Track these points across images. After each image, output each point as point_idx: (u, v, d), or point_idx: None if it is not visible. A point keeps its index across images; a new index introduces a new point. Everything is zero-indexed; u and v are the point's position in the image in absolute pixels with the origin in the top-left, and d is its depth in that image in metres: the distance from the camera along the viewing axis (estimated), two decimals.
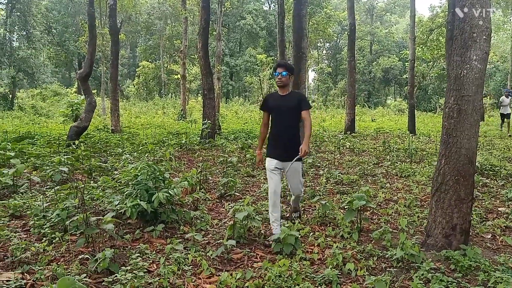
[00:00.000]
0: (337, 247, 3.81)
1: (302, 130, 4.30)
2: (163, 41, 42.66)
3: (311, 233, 4.32)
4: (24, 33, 34.29)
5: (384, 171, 8.28)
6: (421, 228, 4.59)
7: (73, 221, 3.98)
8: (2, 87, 34.56)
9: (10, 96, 33.19)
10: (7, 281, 3.18)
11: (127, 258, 3.57)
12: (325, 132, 16.46)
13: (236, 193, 6.07)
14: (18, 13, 32.89)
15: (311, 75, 57.15)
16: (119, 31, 18.26)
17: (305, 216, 5.08)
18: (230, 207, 5.24)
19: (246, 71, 43.29)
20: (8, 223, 4.46)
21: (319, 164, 8.86)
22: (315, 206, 5.50)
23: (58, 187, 5.10)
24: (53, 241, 3.91)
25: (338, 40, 52.70)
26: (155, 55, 47.72)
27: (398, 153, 10.51)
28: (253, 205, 5.35)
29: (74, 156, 7.71)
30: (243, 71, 43.85)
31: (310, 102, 5.16)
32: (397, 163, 9.02)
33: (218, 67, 19.85)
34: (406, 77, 20.74)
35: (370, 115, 30.79)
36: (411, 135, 14.69)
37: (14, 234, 4.07)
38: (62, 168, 6.30)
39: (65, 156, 7.19)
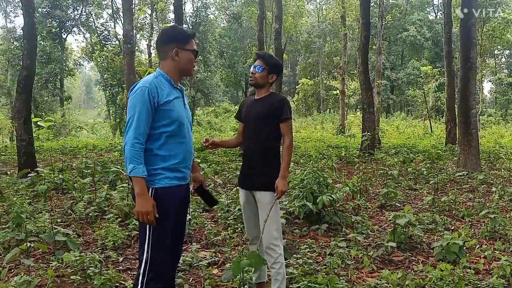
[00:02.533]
0: (506, 260, 3.69)
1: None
2: (322, 58, 43.87)
3: (478, 246, 4.22)
4: (201, 58, 39.33)
5: None
6: None
7: None
8: None
9: (191, 113, 38.38)
10: (203, 257, 4.01)
11: (297, 249, 4.10)
12: (502, 149, 14.86)
13: (396, 204, 6.17)
14: (197, 41, 37.91)
15: (487, 86, 51.49)
16: (283, 52, 19.68)
17: (472, 230, 4.92)
18: (390, 216, 5.39)
19: (409, 84, 41.36)
20: (201, 214, 5.46)
21: (491, 181, 8.22)
22: (483, 221, 5.25)
23: (237, 187, 6.00)
24: (236, 230, 4.70)
25: None
26: (314, 72, 49.28)
27: None
28: (415, 215, 5.39)
29: None
30: (405, 84, 42.04)
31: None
32: None
33: (378, 81, 19.71)
34: None
35: None
36: None
37: (207, 222, 5.01)
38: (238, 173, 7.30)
39: (241, 163, 8.25)
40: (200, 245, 4.34)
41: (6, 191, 6.78)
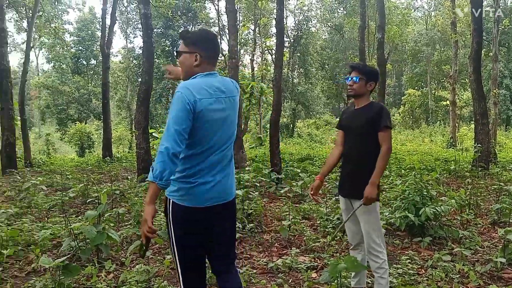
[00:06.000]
0: None
1: None
2: (430, 67, 41.51)
3: None
4: (302, 70, 39.75)
5: None
6: None
7: None
8: (285, 118, 40.88)
9: (291, 125, 38.89)
10: (302, 261, 4.15)
11: (397, 260, 4.04)
12: None
13: (511, 220, 5.67)
14: (298, 54, 38.45)
15: None
16: (386, 62, 19.14)
17: None
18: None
19: None
20: (300, 221, 5.61)
21: None
22: None
23: (336, 197, 6.06)
24: (336, 238, 4.76)
25: None
26: (421, 82, 46.77)
27: None
28: None
29: None
30: None
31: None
32: None
33: (494, 90, 18.14)
34: None
35: None
36: None
37: (306, 229, 5.14)
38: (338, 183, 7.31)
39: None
40: (299, 250, 4.48)
41: (128, 192, 7.65)
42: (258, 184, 7.84)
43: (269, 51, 35.33)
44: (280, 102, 9.33)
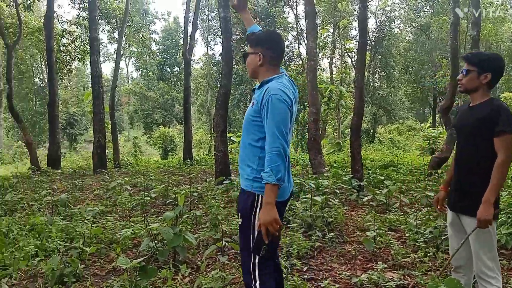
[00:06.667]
0: None
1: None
2: None
3: None
4: (384, 73, 38.11)
5: None
6: None
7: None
8: (365, 123, 39.46)
9: (372, 131, 37.45)
10: (391, 278, 3.72)
11: (505, 283, 3.47)
12: None
13: None
14: (380, 57, 36.92)
15: None
16: None
17: None
18: None
19: None
20: (386, 233, 5.14)
21: None
22: None
23: (427, 208, 5.49)
24: (428, 254, 4.24)
25: None
26: None
27: None
28: None
29: (437, 183, 7.98)
30: None
31: None
32: None
33: None
34: None
35: None
36: None
37: (393, 242, 4.66)
38: (428, 193, 6.67)
39: (430, 183, 7.57)
40: (386, 265, 4.05)
41: (206, 195, 7.66)
42: (338, 191, 7.45)
43: (349, 53, 34.36)
44: (362, 105, 8.80)
